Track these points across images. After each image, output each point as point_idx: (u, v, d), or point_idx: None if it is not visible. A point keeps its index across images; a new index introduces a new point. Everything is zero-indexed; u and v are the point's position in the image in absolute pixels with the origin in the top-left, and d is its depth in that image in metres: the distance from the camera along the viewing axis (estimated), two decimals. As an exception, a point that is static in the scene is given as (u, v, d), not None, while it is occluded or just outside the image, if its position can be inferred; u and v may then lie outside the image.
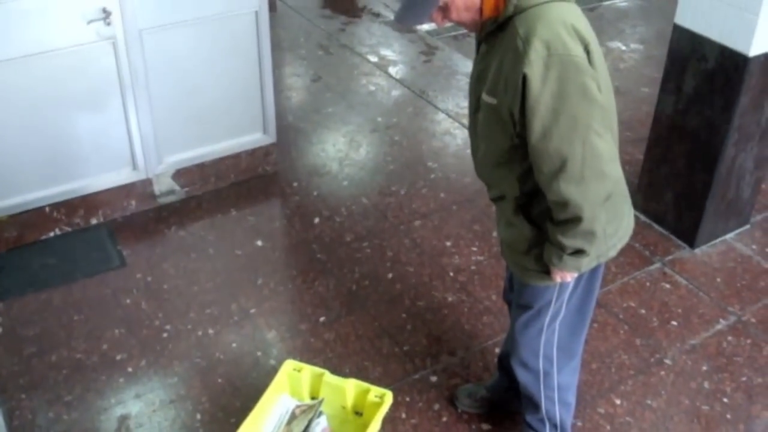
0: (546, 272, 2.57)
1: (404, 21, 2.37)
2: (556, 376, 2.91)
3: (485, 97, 2.39)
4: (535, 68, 2.19)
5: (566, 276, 2.56)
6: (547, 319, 2.76)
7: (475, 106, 2.51)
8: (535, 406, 3.00)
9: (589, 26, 2.33)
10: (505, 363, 3.20)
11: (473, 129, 2.58)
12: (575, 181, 2.27)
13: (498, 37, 2.32)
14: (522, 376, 2.93)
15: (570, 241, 2.40)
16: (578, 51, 2.21)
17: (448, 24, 2.44)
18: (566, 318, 2.79)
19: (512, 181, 2.48)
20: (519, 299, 2.81)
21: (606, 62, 2.38)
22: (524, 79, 2.20)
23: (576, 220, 2.34)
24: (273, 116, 4.70)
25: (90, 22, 3.86)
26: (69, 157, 4.14)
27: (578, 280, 2.68)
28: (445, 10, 2.33)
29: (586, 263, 2.51)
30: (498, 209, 2.69)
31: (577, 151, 2.24)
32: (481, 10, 2.32)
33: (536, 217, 2.53)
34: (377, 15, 7.31)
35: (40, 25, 3.74)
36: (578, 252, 2.43)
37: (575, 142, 2.23)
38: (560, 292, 2.68)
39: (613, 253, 2.62)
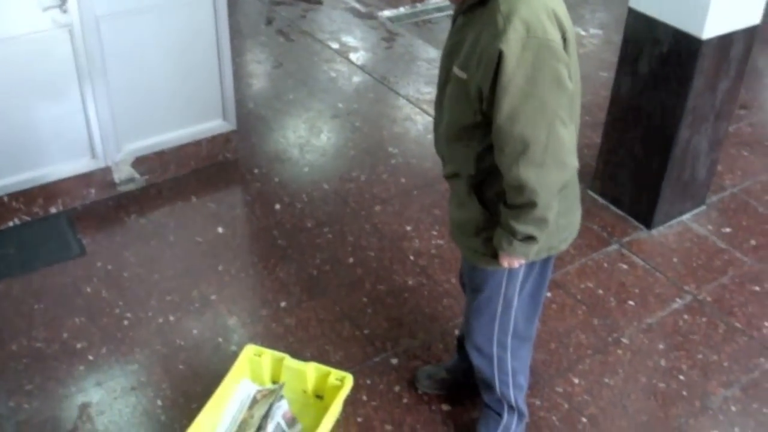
0: (494, 256, 2.58)
1: None
2: (509, 360, 2.94)
3: (456, 71, 2.38)
4: (512, 47, 2.18)
5: (513, 262, 2.57)
6: (500, 306, 2.77)
7: (445, 78, 2.51)
8: (490, 388, 3.03)
9: (568, 15, 2.34)
10: (463, 344, 3.24)
11: (439, 101, 2.58)
12: (535, 166, 2.29)
13: (477, 11, 2.32)
14: (476, 359, 2.96)
15: (522, 227, 2.41)
16: (556, 37, 2.22)
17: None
18: (521, 306, 2.81)
19: (469, 158, 2.49)
20: (470, 282, 2.83)
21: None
22: (500, 56, 2.19)
23: (531, 205, 2.36)
24: (233, 103, 4.70)
25: (46, 9, 3.83)
26: (27, 145, 4.11)
27: (531, 268, 2.71)
28: None
29: (535, 251, 2.53)
30: (451, 188, 2.70)
31: (541, 137, 2.26)
32: None
33: (488, 199, 2.54)
34: (339, 1, 7.31)
35: (-6, 13, 3.72)
36: (529, 238, 2.45)
37: (540, 127, 2.25)
38: (510, 279, 2.70)
39: (564, 246, 2.67)
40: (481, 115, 2.36)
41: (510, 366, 2.95)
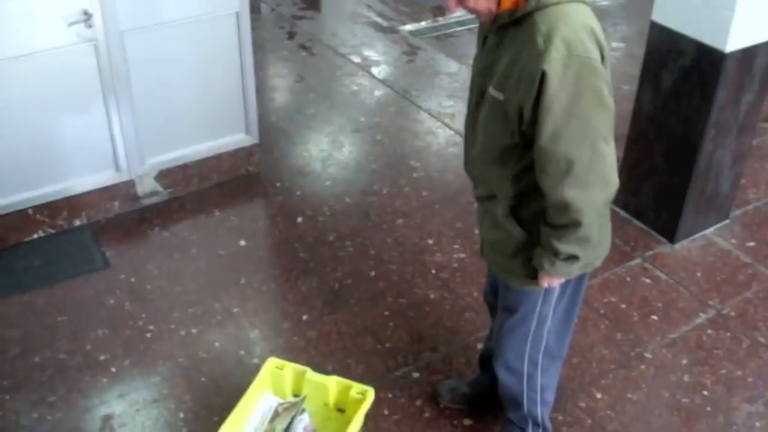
0: (532, 276, 2.54)
1: (418, 1, 2.32)
2: (539, 378, 2.90)
3: (492, 92, 2.33)
4: (555, 66, 2.14)
5: (554, 281, 2.54)
6: (534, 324, 2.73)
7: (477, 100, 2.46)
8: (517, 405, 3.00)
9: (602, 31, 2.29)
10: (486, 361, 3.22)
11: (471, 123, 2.53)
12: (580, 186, 2.25)
13: (511, 31, 2.27)
14: (505, 377, 2.92)
15: (565, 247, 2.38)
16: (596, 54, 2.19)
17: (457, 13, 2.36)
18: (554, 324, 2.77)
19: (506, 180, 2.44)
20: (504, 302, 2.79)
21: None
22: (543, 76, 2.15)
23: (575, 224, 2.32)
24: (255, 117, 4.72)
25: (71, 24, 3.87)
26: (52, 158, 4.15)
27: (565, 287, 2.67)
28: None
29: (576, 270, 2.49)
30: (483, 209, 2.65)
31: (585, 155, 2.22)
32: (499, 0, 2.25)
33: (526, 219, 2.49)
34: (360, 15, 7.34)
35: (21, 28, 3.75)
36: (571, 258, 2.41)
37: (584, 146, 2.22)
38: (546, 298, 2.66)
39: (599, 262, 2.62)
40: (519, 136, 2.32)
41: (539, 383, 2.92)
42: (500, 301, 2.83)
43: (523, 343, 2.79)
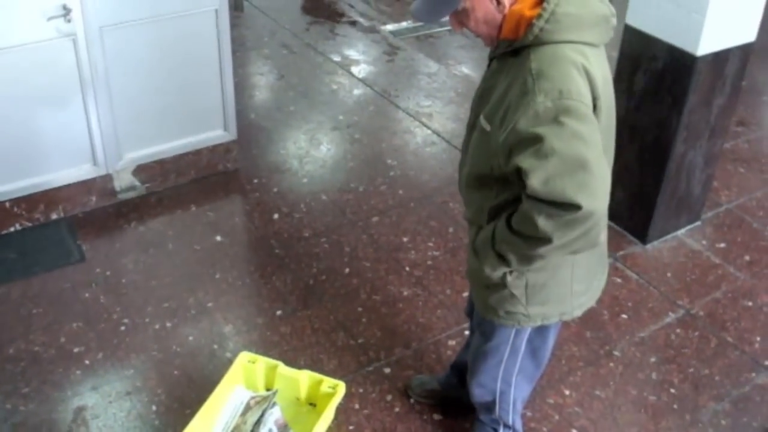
0: (504, 314, 2.49)
1: (419, 16, 2.24)
2: (512, 393, 2.89)
3: (482, 120, 2.27)
4: (537, 110, 2.04)
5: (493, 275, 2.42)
6: (507, 353, 2.71)
7: (472, 122, 2.40)
8: (489, 411, 2.99)
9: (607, 69, 2.21)
10: (458, 368, 3.24)
11: (466, 144, 2.48)
12: (559, 223, 2.09)
13: (510, 60, 2.20)
14: (478, 393, 2.91)
15: (505, 247, 2.26)
16: (586, 98, 2.07)
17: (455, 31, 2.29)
18: (528, 351, 2.74)
19: (483, 210, 2.39)
20: (479, 326, 2.76)
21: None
22: (523, 118, 2.06)
23: (537, 241, 2.16)
24: (233, 113, 4.74)
25: (50, 19, 3.88)
26: (30, 152, 4.16)
27: (542, 328, 2.65)
28: (463, 17, 2.21)
29: (503, 272, 2.39)
30: (468, 231, 2.59)
31: (567, 194, 2.04)
32: (500, 27, 2.19)
33: None
34: (341, 15, 7.38)
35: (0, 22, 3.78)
36: (502, 258, 2.30)
37: (566, 186, 2.04)
38: (519, 331, 2.62)
39: (578, 312, 2.54)
40: (499, 170, 2.24)
41: (512, 397, 2.91)
42: (476, 324, 2.81)
43: (497, 368, 2.78)
